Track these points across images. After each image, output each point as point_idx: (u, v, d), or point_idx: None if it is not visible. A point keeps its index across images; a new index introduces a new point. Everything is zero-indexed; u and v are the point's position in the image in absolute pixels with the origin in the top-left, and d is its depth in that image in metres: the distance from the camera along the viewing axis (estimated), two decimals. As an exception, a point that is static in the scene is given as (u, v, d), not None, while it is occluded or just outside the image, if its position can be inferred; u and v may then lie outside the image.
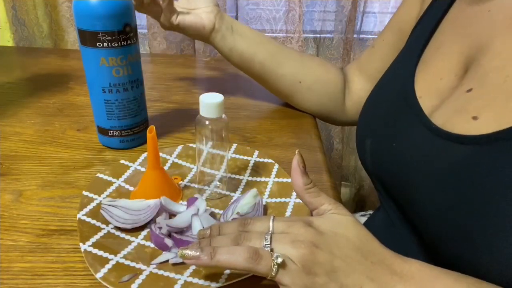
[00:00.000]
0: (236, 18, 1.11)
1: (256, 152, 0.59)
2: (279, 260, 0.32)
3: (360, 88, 0.69)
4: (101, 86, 0.54)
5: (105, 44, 0.51)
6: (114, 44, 0.51)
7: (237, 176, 0.54)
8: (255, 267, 0.32)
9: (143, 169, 0.54)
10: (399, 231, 0.48)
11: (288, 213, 0.47)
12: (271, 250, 0.33)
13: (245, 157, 0.58)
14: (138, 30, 1.18)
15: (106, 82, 0.53)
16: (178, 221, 0.44)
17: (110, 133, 0.58)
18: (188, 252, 0.34)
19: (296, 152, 0.39)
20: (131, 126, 0.58)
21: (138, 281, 0.37)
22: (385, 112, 0.49)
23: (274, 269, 0.32)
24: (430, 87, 0.45)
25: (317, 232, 0.34)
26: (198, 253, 0.33)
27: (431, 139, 0.41)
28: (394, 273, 0.33)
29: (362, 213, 0.74)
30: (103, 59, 0.52)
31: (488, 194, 0.34)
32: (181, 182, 0.53)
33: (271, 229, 0.35)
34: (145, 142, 0.59)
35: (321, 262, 0.32)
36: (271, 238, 0.34)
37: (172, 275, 0.39)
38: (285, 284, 0.32)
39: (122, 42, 0.51)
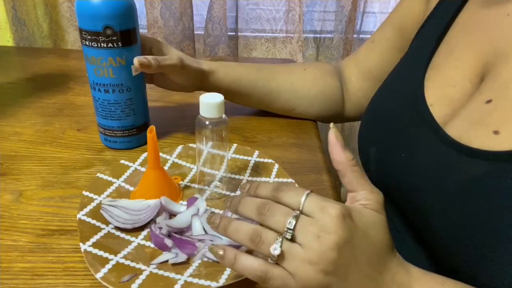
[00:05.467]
0: (236, 18, 1.11)
1: (256, 152, 0.59)
2: (276, 252, 0.30)
3: (358, 88, 0.67)
4: (90, 81, 0.57)
5: (87, 42, 0.53)
6: (93, 44, 0.52)
7: (237, 176, 0.54)
8: (256, 248, 0.32)
9: (143, 169, 0.54)
10: (404, 238, 0.47)
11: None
12: (292, 237, 0.31)
13: (245, 157, 0.58)
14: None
15: (91, 79, 0.56)
16: (178, 221, 0.44)
17: (98, 128, 0.60)
18: (214, 220, 0.35)
19: (331, 126, 0.36)
20: (112, 128, 0.58)
21: (138, 281, 0.37)
22: (392, 119, 0.47)
23: (273, 255, 0.31)
24: (442, 94, 0.43)
25: (349, 229, 0.31)
26: (217, 222, 0.35)
27: (446, 152, 0.38)
28: (395, 282, 0.33)
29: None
30: (87, 56, 0.54)
31: (507, 213, 0.33)
32: (181, 182, 0.53)
33: (301, 205, 0.31)
34: (133, 147, 0.60)
35: (338, 264, 0.30)
36: (297, 220, 0.31)
37: (172, 275, 0.39)
38: (286, 269, 0.31)
39: (102, 44, 0.52)
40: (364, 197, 0.34)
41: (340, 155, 0.35)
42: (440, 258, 0.40)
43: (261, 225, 0.33)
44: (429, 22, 0.51)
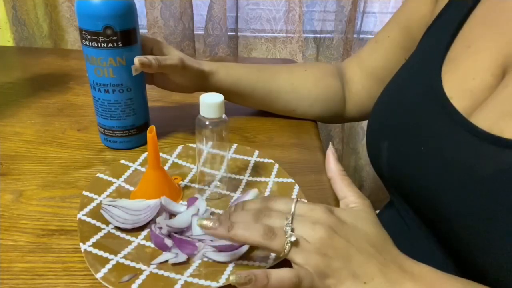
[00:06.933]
0: (236, 18, 1.11)
1: (256, 152, 0.59)
2: (293, 238, 0.33)
3: (361, 88, 0.67)
4: (90, 81, 0.57)
5: (87, 42, 0.53)
6: (93, 44, 0.53)
7: (237, 176, 0.54)
8: (269, 244, 0.34)
9: (143, 169, 0.54)
10: (416, 236, 0.46)
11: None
12: (292, 230, 0.35)
13: (245, 157, 0.58)
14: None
15: (91, 79, 0.56)
16: (178, 221, 0.44)
17: (98, 128, 0.60)
18: (207, 223, 0.36)
19: (330, 146, 0.43)
20: (112, 128, 0.58)
21: (138, 281, 0.37)
22: (407, 113, 0.46)
23: (287, 247, 0.33)
24: (461, 87, 0.42)
25: (338, 220, 0.35)
26: (216, 225, 0.35)
27: (476, 143, 0.37)
28: (405, 271, 0.34)
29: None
30: (87, 56, 0.54)
31: None
32: (181, 182, 0.53)
33: (292, 210, 0.36)
34: (133, 147, 0.60)
35: (337, 247, 0.33)
36: (292, 219, 0.35)
37: (172, 275, 0.39)
38: (297, 262, 0.34)
39: (102, 44, 0.52)
40: (352, 201, 0.40)
41: (334, 165, 0.43)
42: (458, 253, 0.40)
43: None
44: (440, 19, 0.50)
